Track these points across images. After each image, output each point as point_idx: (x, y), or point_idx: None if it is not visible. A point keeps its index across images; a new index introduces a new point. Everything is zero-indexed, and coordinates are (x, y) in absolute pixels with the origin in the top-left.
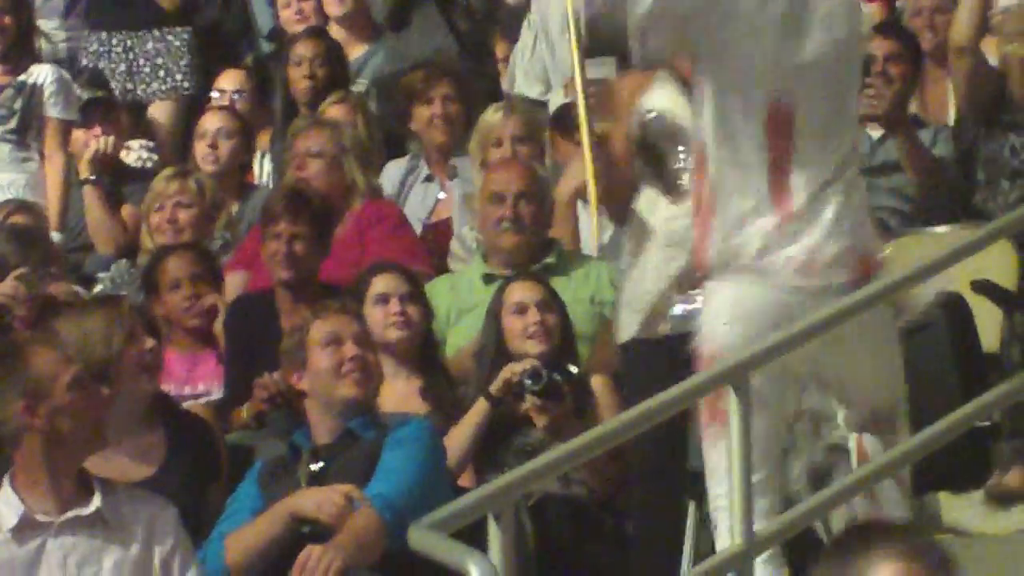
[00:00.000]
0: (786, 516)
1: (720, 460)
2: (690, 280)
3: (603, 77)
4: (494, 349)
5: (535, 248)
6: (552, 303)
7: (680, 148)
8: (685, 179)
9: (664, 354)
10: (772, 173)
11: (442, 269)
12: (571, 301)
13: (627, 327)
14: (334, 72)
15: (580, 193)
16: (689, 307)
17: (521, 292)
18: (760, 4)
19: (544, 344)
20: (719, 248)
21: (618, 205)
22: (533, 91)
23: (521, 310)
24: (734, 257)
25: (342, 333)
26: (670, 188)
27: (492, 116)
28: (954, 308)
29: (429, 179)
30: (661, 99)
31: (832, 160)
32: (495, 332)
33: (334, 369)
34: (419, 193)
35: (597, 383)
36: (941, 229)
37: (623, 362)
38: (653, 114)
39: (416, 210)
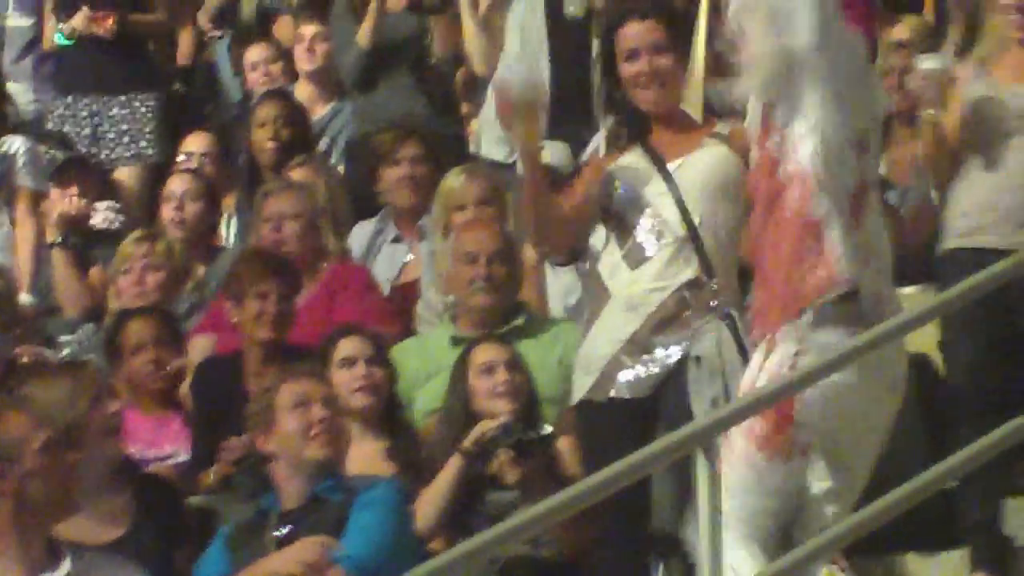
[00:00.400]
0: None
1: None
2: (643, 345)
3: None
4: (461, 411)
5: (506, 310)
6: (518, 364)
7: (646, 215)
8: (649, 248)
9: (612, 416)
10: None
11: (410, 331)
12: (539, 363)
13: (578, 388)
14: (298, 133)
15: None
16: (641, 372)
17: (488, 353)
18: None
19: (513, 403)
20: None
21: (556, 245)
22: (499, 154)
23: (489, 370)
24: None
25: (310, 395)
26: (633, 257)
27: (454, 180)
28: (922, 368)
29: (397, 240)
30: (630, 169)
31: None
32: (462, 394)
33: (302, 431)
34: (387, 254)
35: (564, 445)
36: (909, 290)
37: (576, 423)
38: (621, 186)
39: (384, 271)
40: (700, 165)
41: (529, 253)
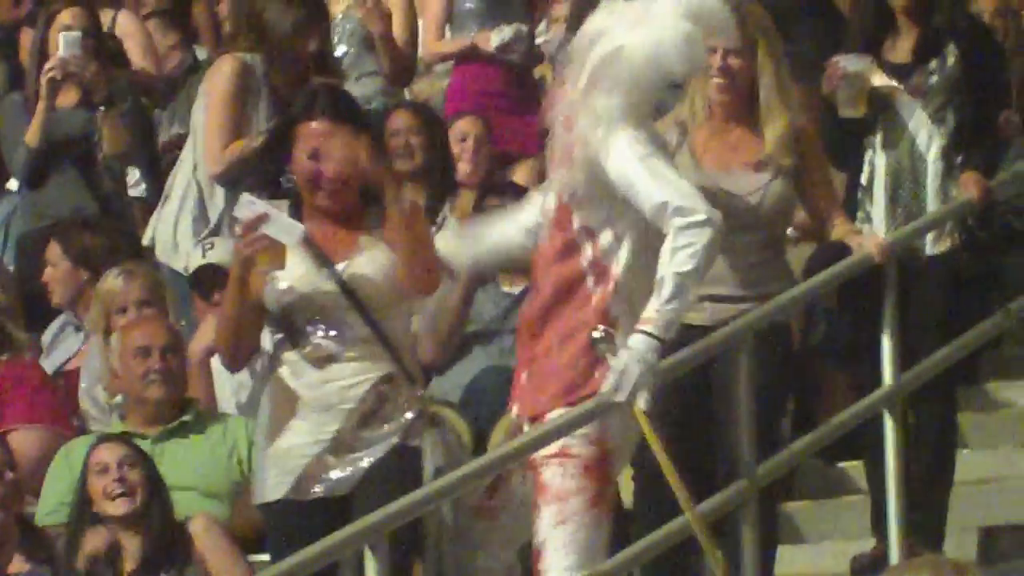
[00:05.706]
0: None
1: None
2: (349, 443)
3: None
4: (78, 512)
5: (176, 404)
6: (136, 460)
7: (320, 319)
8: (332, 348)
9: (316, 515)
10: None
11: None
12: (209, 458)
13: (275, 487)
14: None
15: (213, 351)
16: (346, 473)
17: (103, 452)
18: None
19: (126, 504)
20: None
21: (241, 352)
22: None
23: (104, 470)
24: None
25: None
26: (317, 357)
27: (112, 282)
28: None
29: (78, 329)
30: (295, 273)
31: None
32: (83, 494)
33: None
34: (70, 342)
35: (197, 525)
36: None
37: (268, 521)
38: (287, 288)
39: (59, 357)
40: (369, 271)
41: (194, 348)
